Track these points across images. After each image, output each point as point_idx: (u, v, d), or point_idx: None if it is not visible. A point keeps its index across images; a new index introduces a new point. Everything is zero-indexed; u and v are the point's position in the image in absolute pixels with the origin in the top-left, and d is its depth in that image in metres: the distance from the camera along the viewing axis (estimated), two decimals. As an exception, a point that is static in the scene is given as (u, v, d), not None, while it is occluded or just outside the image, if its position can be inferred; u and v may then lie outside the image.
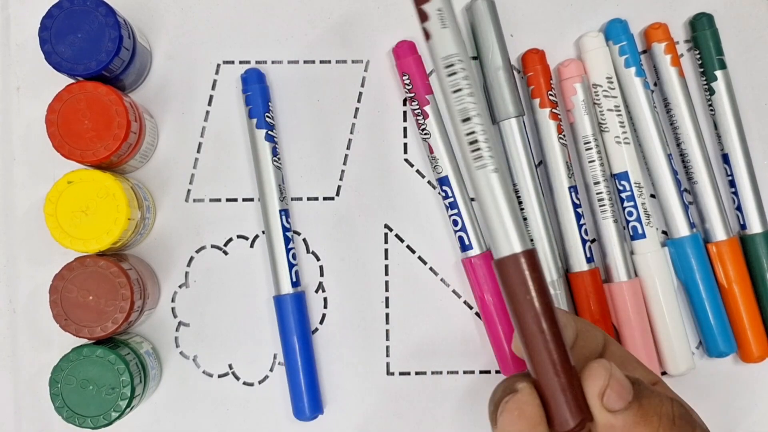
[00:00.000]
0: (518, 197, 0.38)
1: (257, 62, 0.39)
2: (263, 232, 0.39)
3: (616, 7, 0.39)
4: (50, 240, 0.34)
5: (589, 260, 0.38)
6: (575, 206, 0.38)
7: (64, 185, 0.34)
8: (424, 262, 0.39)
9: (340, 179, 0.39)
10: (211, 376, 0.39)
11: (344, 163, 0.39)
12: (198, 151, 0.39)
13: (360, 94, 0.39)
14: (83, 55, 0.34)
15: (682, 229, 0.38)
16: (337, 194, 0.39)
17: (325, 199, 0.39)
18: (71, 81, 0.35)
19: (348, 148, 0.39)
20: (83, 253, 0.35)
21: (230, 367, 0.39)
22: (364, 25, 0.39)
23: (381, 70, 0.39)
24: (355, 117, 0.39)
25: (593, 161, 0.38)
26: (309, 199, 0.39)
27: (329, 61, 0.39)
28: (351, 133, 0.39)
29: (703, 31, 0.39)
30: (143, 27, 0.39)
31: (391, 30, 0.39)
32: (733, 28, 0.40)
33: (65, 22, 0.34)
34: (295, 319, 0.37)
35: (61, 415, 0.34)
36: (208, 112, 0.39)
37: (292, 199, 0.39)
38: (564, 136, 0.38)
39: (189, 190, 0.39)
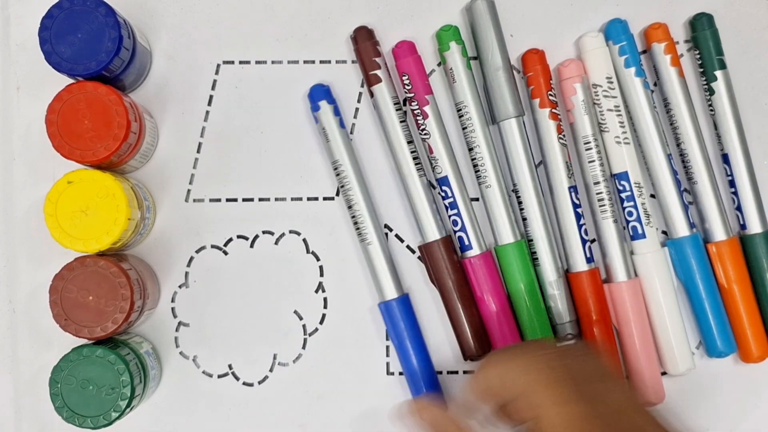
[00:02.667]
0: (518, 197, 0.38)
1: (257, 62, 0.39)
2: (263, 233, 0.39)
3: (616, 7, 0.39)
4: (50, 240, 0.34)
5: (589, 260, 0.38)
6: (575, 206, 0.38)
7: (64, 185, 0.34)
8: (424, 262, 0.39)
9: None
10: (211, 376, 0.39)
11: (344, 163, 0.39)
12: (198, 151, 0.39)
13: (360, 94, 0.39)
14: (83, 55, 0.34)
15: (681, 229, 0.38)
16: (337, 194, 0.39)
17: (325, 199, 0.39)
18: (71, 81, 0.35)
19: (348, 148, 0.39)
20: (83, 253, 0.35)
21: (230, 367, 0.39)
22: (365, 24, 0.39)
23: (381, 70, 0.39)
24: (355, 117, 0.39)
25: (593, 161, 0.38)
26: (309, 199, 0.39)
27: (329, 61, 0.39)
28: (351, 133, 0.39)
29: (703, 32, 0.39)
30: (143, 27, 0.39)
31: (391, 30, 0.39)
32: (733, 28, 0.40)
33: (65, 22, 0.34)
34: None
35: (61, 415, 0.34)
36: (208, 112, 0.39)
37: (291, 199, 0.39)
38: (564, 136, 0.38)
39: (189, 190, 0.39)
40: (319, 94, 0.38)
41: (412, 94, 0.38)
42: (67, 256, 0.35)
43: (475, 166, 0.38)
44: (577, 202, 0.38)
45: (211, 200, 0.39)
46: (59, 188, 0.34)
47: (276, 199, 0.39)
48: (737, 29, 0.40)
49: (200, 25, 0.39)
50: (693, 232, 0.38)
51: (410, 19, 0.39)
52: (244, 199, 0.39)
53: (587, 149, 0.38)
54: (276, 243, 0.39)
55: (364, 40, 0.38)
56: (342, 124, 0.38)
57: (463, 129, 0.38)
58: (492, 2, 0.38)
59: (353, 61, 0.39)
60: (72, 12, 0.34)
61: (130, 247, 0.38)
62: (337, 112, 0.38)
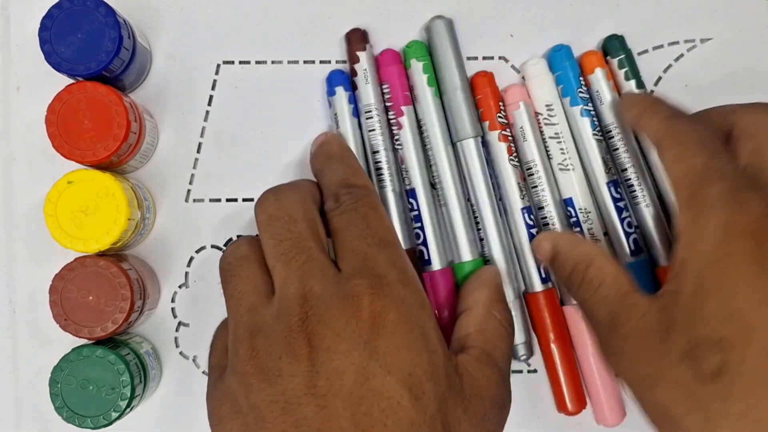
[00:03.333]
0: (476, 218, 0.38)
1: (257, 62, 0.39)
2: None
3: (616, 8, 0.39)
4: (50, 240, 0.34)
5: (545, 280, 0.38)
6: (529, 227, 0.37)
7: (64, 185, 0.34)
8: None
9: (340, 179, 0.39)
10: (211, 376, 0.39)
11: (344, 163, 0.39)
12: (198, 151, 0.39)
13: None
14: (83, 55, 0.34)
15: (625, 255, 0.37)
16: (337, 194, 0.39)
17: (325, 199, 0.39)
18: (71, 81, 0.35)
19: (348, 148, 0.39)
20: (83, 253, 0.35)
21: (230, 367, 0.39)
22: (364, 25, 0.39)
23: (381, 70, 0.39)
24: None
25: (536, 186, 0.38)
26: (309, 199, 0.39)
27: (329, 61, 0.39)
28: (351, 133, 0.39)
29: (617, 53, 0.38)
30: (143, 27, 0.39)
31: (391, 30, 0.39)
32: (733, 28, 0.40)
33: (65, 22, 0.34)
34: None
35: (61, 415, 0.34)
36: (208, 112, 0.39)
37: (292, 199, 0.39)
38: (515, 157, 0.38)
39: (189, 190, 0.39)
40: (338, 79, 0.38)
41: (390, 104, 0.38)
42: (67, 256, 0.35)
43: (435, 184, 0.38)
44: (531, 222, 0.38)
45: (211, 200, 0.39)
46: (59, 188, 0.34)
47: (276, 199, 0.39)
48: (737, 29, 0.40)
49: (200, 25, 0.39)
50: (640, 257, 0.37)
51: (411, 20, 0.39)
52: (244, 199, 0.39)
53: (529, 175, 0.38)
54: (276, 243, 0.39)
55: (350, 43, 0.38)
56: (355, 113, 0.38)
57: (424, 147, 0.38)
58: (450, 21, 0.38)
59: (353, 61, 0.39)
60: (72, 12, 0.34)
61: (130, 247, 0.38)
62: (352, 100, 0.38)
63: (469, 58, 0.39)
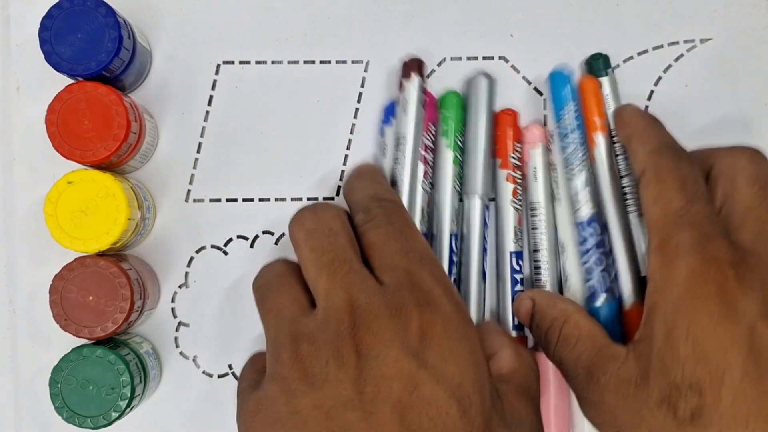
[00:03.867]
0: (460, 268, 0.37)
1: (257, 62, 0.39)
2: (263, 233, 0.39)
3: (616, 7, 0.39)
4: (50, 240, 0.34)
5: (517, 328, 0.37)
6: (513, 272, 0.37)
7: (64, 185, 0.34)
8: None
9: (340, 179, 0.39)
10: (210, 376, 0.39)
11: (344, 163, 0.39)
12: (198, 152, 0.39)
13: (360, 94, 0.39)
14: (83, 55, 0.34)
15: (600, 298, 0.36)
16: (337, 194, 0.39)
17: (325, 199, 0.39)
18: (71, 81, 0.35)
19: (348, 148, 0.39)
20: (83, 253, 0.35)
21: (230, 367, 0.39)
22: (364, 25, 0.39)
23: (381, 70, 0.39)
24: (355, 117, 0.39)
25: (535, 228, 0.37)
26: (309, 199, 0.39)
27: (329, 61, 0.39)
28: (351, 133, 0.39)
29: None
30: (143, 27, 0.39)
31: (392, 30, 0.39)
32: (733, 28, 0.40)
33: (65, 22, 0.34)
34: None
35: (61, 416, 0.34)
36: (208, 112, 0.39)
37: (291, 199, 0.39)
38: (519, 200, 0.38)
39: (189, 190, 0.39)
40: (395, 110, 0.38)
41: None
42: (67, 256, 0.35)
43: (435, 234, 0.37)
44: (517, 267, 0.37)
45: (211, 200, 0.39)
46: (59, 188, 0.34)
47: (276, 199, 0.39)
48: (737, 29, 0.40)
49: (200, 25, 0.39)
50: (609, 299, 0.36)
51: (411, 20, 0.39)
52: (244, 199, 0.39)
53: (531, 216, 0.38)
54: (276, 243, 0.39)
55: (402, 70, 0.38)
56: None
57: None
58: (492, 81, 0.38)
59: (353, 61, 0.39)
60: (72, 12, 0.34)
61: (130, 247, 0.38)
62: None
63: (468, 58, 0.39)
